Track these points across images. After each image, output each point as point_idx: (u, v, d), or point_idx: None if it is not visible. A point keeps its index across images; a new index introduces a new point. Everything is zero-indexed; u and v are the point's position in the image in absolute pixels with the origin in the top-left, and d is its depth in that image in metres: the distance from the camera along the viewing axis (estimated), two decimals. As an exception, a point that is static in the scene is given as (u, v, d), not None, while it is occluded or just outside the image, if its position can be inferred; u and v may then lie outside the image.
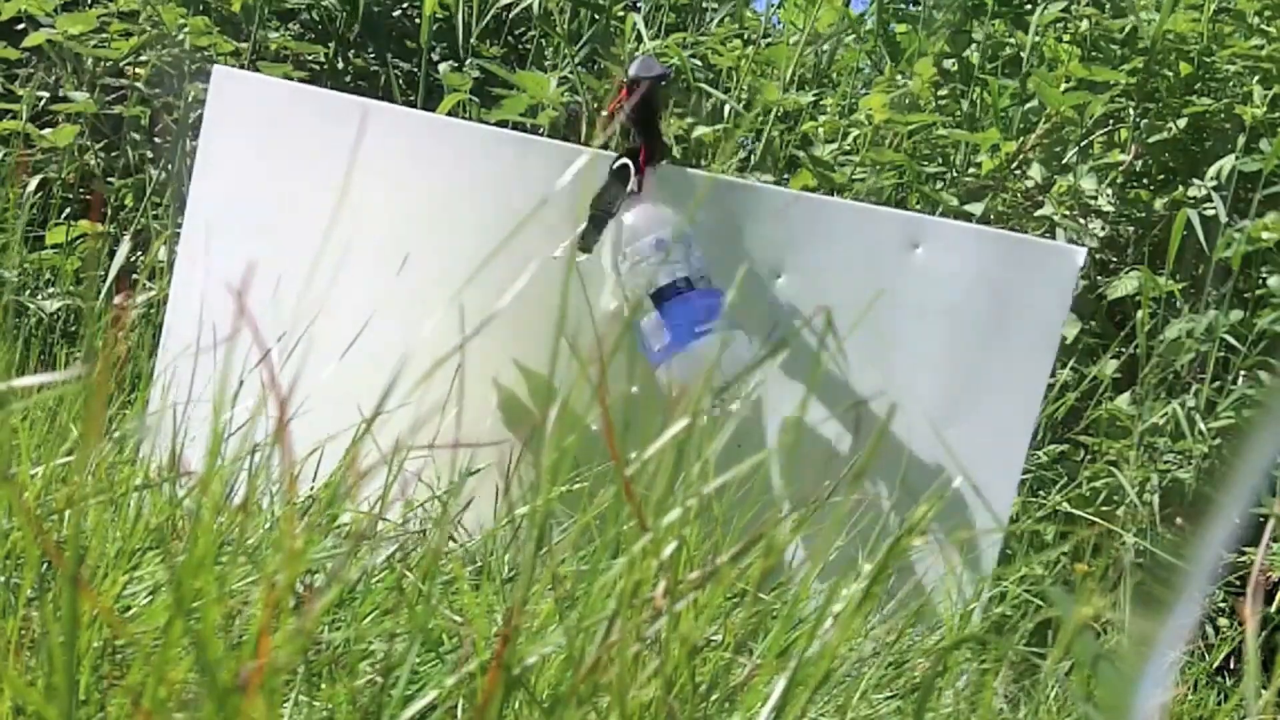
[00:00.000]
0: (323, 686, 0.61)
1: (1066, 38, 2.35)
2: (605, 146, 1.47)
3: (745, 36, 2.59)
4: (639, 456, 0.52)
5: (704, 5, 2.73)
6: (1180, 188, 2.21)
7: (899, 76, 2.41)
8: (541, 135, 1.81)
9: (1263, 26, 2.27)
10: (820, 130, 2.36)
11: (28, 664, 0.60)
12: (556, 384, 1.31)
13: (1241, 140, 2.13)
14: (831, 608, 0.47)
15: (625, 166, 1.33)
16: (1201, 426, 1.91)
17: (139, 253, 2.15)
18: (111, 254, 2.08)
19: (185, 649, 0.50)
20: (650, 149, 1.35)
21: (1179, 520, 1.85)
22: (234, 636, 0.62)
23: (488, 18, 2.45)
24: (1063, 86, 2.19)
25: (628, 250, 1.33)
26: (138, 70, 2.27)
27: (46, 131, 2.19)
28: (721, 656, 0.59)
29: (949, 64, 2.44)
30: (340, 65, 2.62)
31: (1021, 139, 2.25)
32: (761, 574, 0.47)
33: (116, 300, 1.92)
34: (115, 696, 0.56)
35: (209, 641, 0.40)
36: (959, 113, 2.39)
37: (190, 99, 2.18)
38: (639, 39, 2.37)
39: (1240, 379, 2.01)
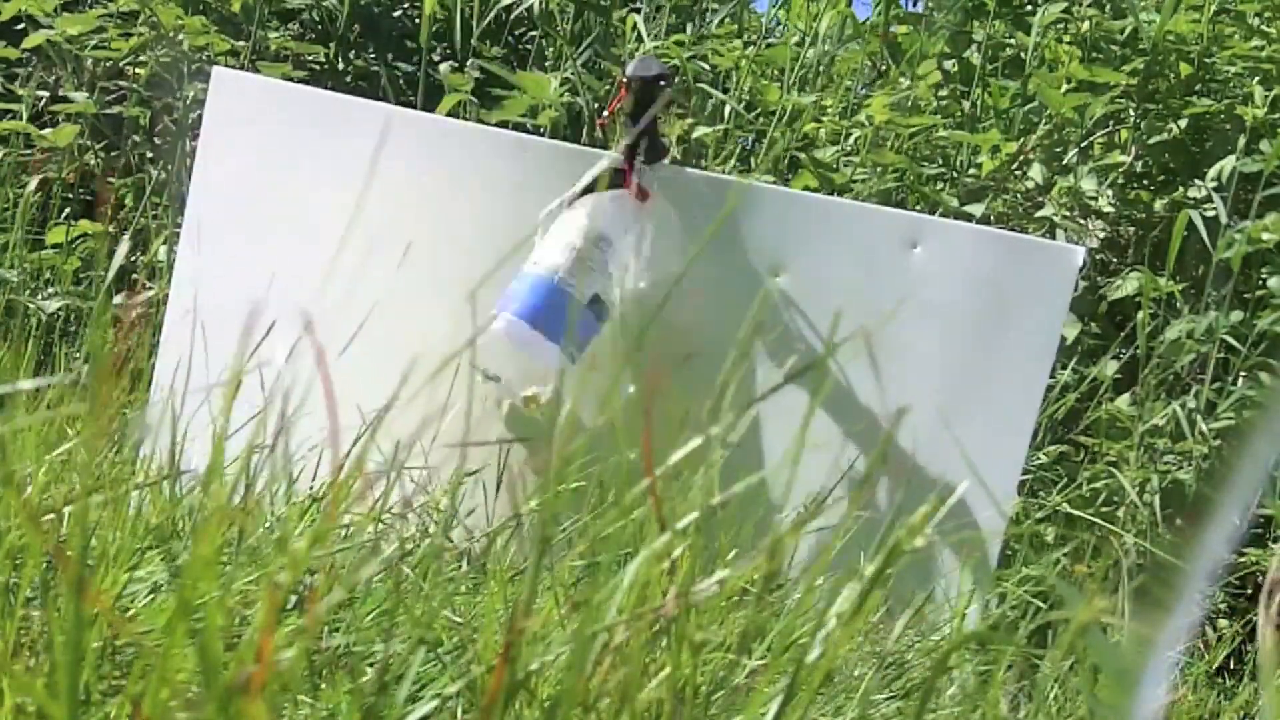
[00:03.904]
0: (323, 688, 0.61)
1: (1067, 39, 2.35)
2: (605, 146, 1.47)
3: (746, 38, 2.59)
4: (635, 455, 0.51)
5: (705, 6, 2.73)
6: (1181, 189, 2.21)
7: (901, 79, 2.41)
8: (542, 136, 1.81)
9: (1263, 28, 2.27)
10: (821, 131, 2.36)
11: (28, 665, 0.60)
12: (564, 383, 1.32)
13: (1242, 141, 2.13)
14: (833, 609, 0.47)
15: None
16: (1202, 427, 1.91)
17: (138, 252, 2.15)
18: (111, 254, 2.08)
19: (187, 652, 0.50)
20: (650, 148, 1.35)
21: (1179, 521, 1.85)
22: (235, 637, 0.62)
23: (488, 18, 2.45)
24: (1064, 88, 2.19)
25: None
26: (137, 71, 2.27)
27: (46, 131, 2.19)
28: (724, 657, 0.59)
29: (950, 65, 2.44)
30: (340, 65, 2.62)
31: (1022, 140, 2.25)
32: (766, 576, 0.47)
33: (117, 300, 1.92)
34: (117, 697, 0.56)
35: (211, 644, 0.40)
36: (960, 114, 2.39)
37: (190, 99, 2.18)
38: (640, 40, 2.37)
39: (1240, 380, 2.01)
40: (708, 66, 2.39)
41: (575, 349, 1.30)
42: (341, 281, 1.34)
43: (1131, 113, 2.26)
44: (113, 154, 2.30)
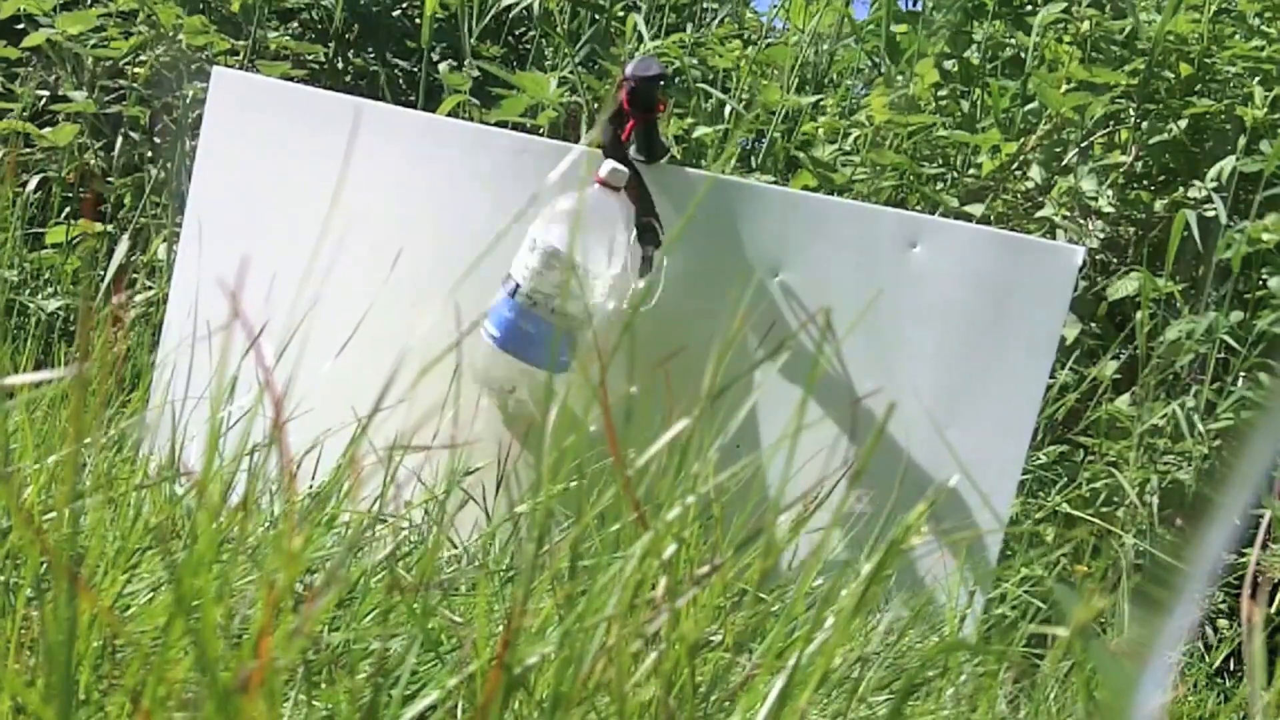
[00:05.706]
0: (322, 686, 0.61)
1: (1067, 39, 2.35)
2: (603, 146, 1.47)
3: (745, 37, 2.59)
4: (637, 457, 0.51)
5: (704, 5, 2.73)
6: (1180, 189, 2.21)
7: (899, 78, 2.41)
8: (541, 135, 1.81)
9: (1263, 28, 2.27)
10: (820, 131, 2.36)
11: (28, 664, 0.60)
12: (554, 383, 1.32)
13: (1242, 141, 2.13)
14: (830, 607, 0.47)
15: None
16: (1201, 428, 1.91)
17: (138, 252, 2.15)
18: (110, 253, 2.08)
19: (185, 649, 0.50)
20: (649, 148, 1.36)
21: (1179, 521, 1.85)
22: (234, 636, 0.62)
23: (488, 18, 2.45)
24: (1063, 88, 2.18)
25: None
26: (137, 70, 2.27)
27: (46, 131, 2.19)
28: (721, 656, 0.59)
29: (949, 65, 2.44)
30: (339, 65, 2.62)
31: (1022, 140, 2.25)
32: (760, 574, 0.47)
33: (115, 299, 1.92)
34: (115, 696, 0.56)
35: (209, 641, 0.39)
36: (959, 113, 2.39)
37: (189, 99, 2.18)
38: (639, 39, 2.37)
39: (1240, 380, 2.01)
40: (704, 65, 2.39)
41: (562, 357, 1.31)
42: (338, 281, 1.34)
43: (1131, 113, 2.26)
44: (112, 154, 2.29)
